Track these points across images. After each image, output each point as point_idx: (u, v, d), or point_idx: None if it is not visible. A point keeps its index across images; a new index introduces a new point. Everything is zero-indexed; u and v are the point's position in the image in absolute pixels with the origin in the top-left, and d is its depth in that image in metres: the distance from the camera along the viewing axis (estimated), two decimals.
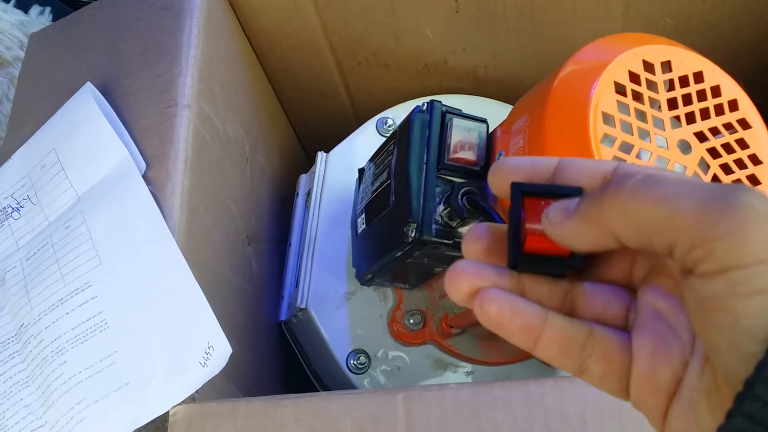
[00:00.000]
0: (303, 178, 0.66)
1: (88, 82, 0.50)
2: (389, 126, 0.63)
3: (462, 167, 0.47)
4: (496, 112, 0.67)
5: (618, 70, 0.41)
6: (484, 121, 0.48)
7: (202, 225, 0.48)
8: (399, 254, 0.48)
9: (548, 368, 0.61)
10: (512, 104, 0.69)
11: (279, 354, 0.63)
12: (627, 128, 0.40)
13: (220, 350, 0.39)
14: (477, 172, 0.47)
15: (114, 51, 0.53)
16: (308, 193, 0.63)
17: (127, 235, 0.44)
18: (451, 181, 0.47)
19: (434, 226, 0.46)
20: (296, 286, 0.59)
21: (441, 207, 0.46)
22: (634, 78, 0.41)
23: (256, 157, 0.61)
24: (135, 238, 0.44)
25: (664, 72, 0.42)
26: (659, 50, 0.43)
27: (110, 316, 0.42)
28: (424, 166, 0.47)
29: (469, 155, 0.47)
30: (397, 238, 0.47)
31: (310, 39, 0.62)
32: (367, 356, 0.56)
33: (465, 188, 0.45)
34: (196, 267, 0.46)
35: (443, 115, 0.48)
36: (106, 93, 0.51)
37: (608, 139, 0.40)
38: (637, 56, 0.42)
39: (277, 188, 0.66)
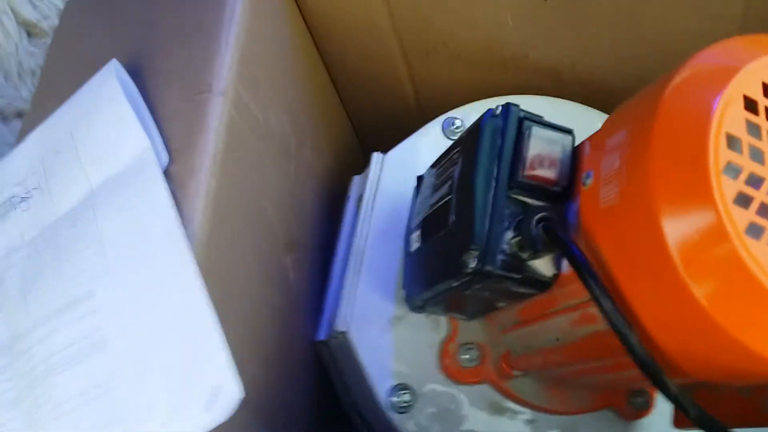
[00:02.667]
0: (356, 180, 0.58)
1: (114, 60, 0.44)
2: (457, 128, 0.55)
3: (539, 186, 0.39)
4: (581, 118, 0.58)
5: (748, 80, 0.32)
6: (569, 132, 0.40)
7: (230, 230, 0.41)
8: (456, 284, 0.40)
9: (621, 420, 0.52)
10: (600, 110, 0.61)
11: (315, 378, 0.56)
12: (757, 156, 0.32)
13: (229, 393, 0.32)
14: (557, 194, 0.39)
15: (150, 23, 0.47)
16: (360, 198, 0.56)
17: (140, 240, 0.38)
18: (524, 202, 0.39)
19: (500, 257, 0.38)
20: (338, 304, 0.52)
21: (510, 233, 0.38)
22: None
23: (303, 151, 0.54)
24: (148, 245, 0.38)
25: None
26: None
27: (110, 335, 0.36)
28: (494, 181, 0.39)
29: (549, 173, 0.39)
30: (455, 266, 0.39)
31: (372, 22, 0.55)
32: (413, 393, 0.48)
33: (541, 213, 0.37)
34: (220, 280, 0.40)
35: (520, 121, 0.40)
36: (134, 71, 0.44)
37: (732, 169, 0.31)
38: None
39: (327, 188, 0.60)
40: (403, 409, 0.48)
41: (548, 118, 0.58)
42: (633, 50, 0.56)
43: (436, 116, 0.57)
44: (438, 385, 0.49)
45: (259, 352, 0.46)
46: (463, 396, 0.49)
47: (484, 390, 0.50)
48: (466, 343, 0.50)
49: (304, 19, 0.55)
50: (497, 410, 0.50)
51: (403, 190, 0.52)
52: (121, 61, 0.44)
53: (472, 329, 0.50)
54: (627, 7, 0.52)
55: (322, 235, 0.57)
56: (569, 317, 0.41)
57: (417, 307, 0.47)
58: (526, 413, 0.50)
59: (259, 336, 0.46)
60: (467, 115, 0.56)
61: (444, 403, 0.49)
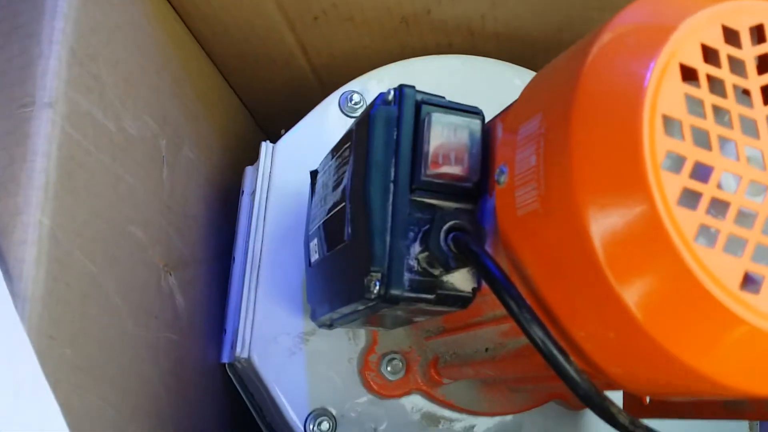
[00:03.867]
0: (249, 171, 0.51)
1: None
2: (356, 104, 0.48)
3: (447, 184, 0.32)
4: (499, 74, 0.52)
5: (685, 43, 0.26)
6: (477, 113, 0.33)
7: (79, 276, 0.34)
8: (362, 308, 0.34)
9: (569, 411, 0.47)
10: (519, 64, 0.54)
11: (228, 399, 0.50)
12: (702, 139, 0.25)
13: None
14: (469, 190, 0.32)
15: None
16: (254, 193, 0.48)
17: None
18: (431, 205, 0.32)
19: (407, 276, 0.31)
20: (237, 324, 0.45)
21: (417, 247, 0.32)
22: (711, 55, 0.26)
23: (180, 152, 0.46)
24: None
25: (755, 43, 0.27)
26: (746, 7, 0.27)
27: None
28: (391, 185, 0.32)
29: (456, 167, 0.32)
30: (358, 289, 0.32)
31: None
32: (332, 418, 0.42)
33: (449, 223, 0.30)
34: (70, 340, 0.33)
35: (417, 107, 0.33)
36: None
37: (674, 160, 0.25)
38: (712, 19, 0.26)
39: (219, 186, 0.52)
40: None
41: (461, 77, 0.52)
42: None
43: (338, 85, 0.50)
44: (361, 404, 0.43)
45: (152, 396, 0.40)
46: (390, 411, 0.44)
47: (415, 400, 0.44)
48: (388, 353, 0.43)
49: None
50: (431, 421, 0.44)
51: (299, 184, 0.45)
52: None
53: (394, 337, 0.44)
54: None
55: (217, 241, 0.50)
56: (498, 328, 0.35)
57: (325, 326, 0.40)
58: (463, 419, 0.45)
59: (148, 383, 0.39)
60: (366, 86, 0.48)
61: (370, 423, 0.43)
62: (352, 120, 0.47)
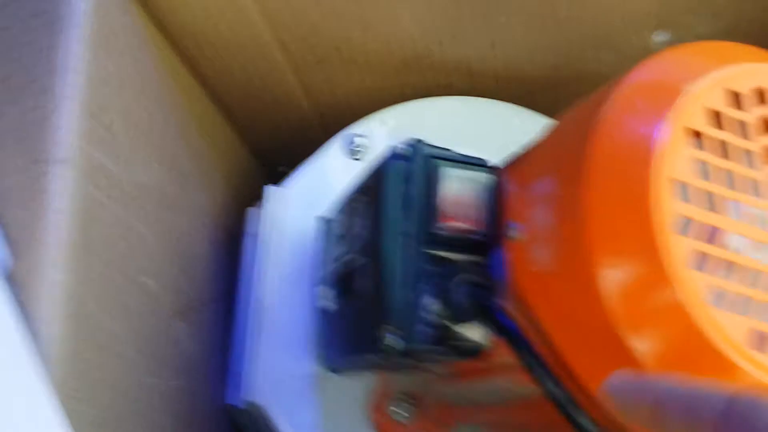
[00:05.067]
0: (252, 213, 0.51)
1: None
2: (359, 147, 0.48)
3: (459, 238, 0.33)
4: (497, 114, 0.53)
5: (691, 107, 0.27)
6: (485, 165, 0.34)
7: (98, 332, 0.34)
8: (376, 359, 0.34)
9: None
10: (517, 103, 0.55)
11: None
12: (708, 201, 0.26)
13: None
14: (479, 243, 0.33)
15: None
16: (258, 235, 0.49)
17: None
18: (443, 258, 0.33)
19: (422, 328, 0.32)
20: (245, 367, 0.45)
21: (431, 300, 0.32)
22: (713, 118, 0.27)
23: (187, 196, 0.46)
24: None
25: (757, 105, 0.28)
26: (747, 70, 0.28)
27: None
28: (405, 239, 0.33)
29: (467, 220, 0.33)
30: (370, 340, 0.33)
31: (251, 36, 0.47)
32: None
33: (463, 277, 0.31)
34: (90, 397, 0.33)
35: (428, 161, 0.34)
36: None
37: (683, 222, 0.26)
38: (716, 83, 0.28)
39: (224, 226, 0.52)
40: None
41: (462, 118, 0.53)
42: (548, 37, 0.50)
43: (340, 126, 0.50)
44: None
45: None
46: None
47: None
48: (398, 395, 0.44)
49: (168, 40, 0.47)
50: None
51: (304, 227, 0.46)
52: None
53: (404, 379, 0.44)
54: None
55: (221, 282, 0.50)
56: (511, 376, 0.36)
57: (337, 371, 0.41)
58: None
59: (158, 431, 0.39)
60: (369, 128, 0.49)
61: None
62: (356, 162, 0.48)
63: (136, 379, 0.37)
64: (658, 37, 0.51)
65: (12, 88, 0.36)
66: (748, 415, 0.18)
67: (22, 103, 0.36)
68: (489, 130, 0.51)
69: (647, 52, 0.51)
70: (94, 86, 0.37)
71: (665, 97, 0.27)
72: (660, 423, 0.21)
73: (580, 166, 0.27)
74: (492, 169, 0.34)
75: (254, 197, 0.52)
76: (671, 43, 0.51)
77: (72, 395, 0.31)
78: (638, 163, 0.26)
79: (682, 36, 0.51)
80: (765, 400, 0.18)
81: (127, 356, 0.36)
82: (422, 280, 0.32)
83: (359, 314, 0.35)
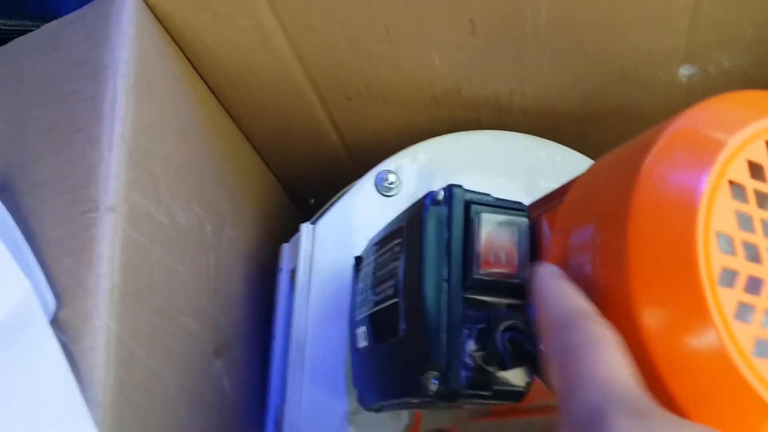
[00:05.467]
0: (286, 249, 0.52)
1: None
2: (391, 183, 0.49)
3: (498, 282, 0.33)
4: (526, 148, 0.53)
5: (733, 160, 0.27)
6: (523, 210, 0.35)
7: (144, 375, 0.35)
8: (417, 402, 0.35)
9: None
10: (544, 136, 0.55)
11: None
12: (752, 253, 0.27)
13: None
14: (518, 287, 0.33)
15: (16, 123, 0.39)
16: (293, 272, 0.49)
17: (31, 413, 0.31)
18: (483, 302, 0.33)
19: (464, 374, 0.32)
20: (283, 400, 0.46)
21: (472, 345, 0.33)
22: (756, 170, 0.28)
23: (223, 234, 0.47)
24: (41, 419, 0.31)
25: None
26: None
27: None
28: (445, 284, 0.33)
29: (506, 265, 0.33)
30: (413, 384, 0.33)
31: (283, 75, 0.48)
32: None
33: (505, 324, 0.32)
34: None
35: (467, 206, 0.34)
36: (4, 186, 0.37)
37: (728, 274, 0.26)
38: (757, 135, 0.28)
39: (257, 261, 0.53)
40: None
41: (490, 152, 0.53)
42: (576, 72, 0.50)
43: (369, 160, 0.51)
44: None
45: None
46: None
47: None
48: (432, 431, 0.44)
49: (205, 83, 0.48)
50: None
51: (339, 263, 0.46)
52: None
53: (437, 415, 0.44)
54: (567, 32, 0.46)
55: (256, 318, 0.51)
56: (548, 417, 0.36)
57: (373, 410, 0.41)
58: None
59: None
60: (401, 165, 0.50)
61: None
62: (388, 198, 0.49)
63: (179, 421, 0.38)
64: (685, 71, 0.51)
65: (58, 138, 0.37)
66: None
67: (69, 152, 0.37)
68: (517, 163, 0.52)
69: (674, 86, 0.52)
70: (137, 133, 0.38)
71: (708, 148, 0.27)
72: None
73: (623, 217, 0.27)
74: (528, 212, 0.35)
75: (286, 232, 0.53)
76: (698, 77, 0.52)
77: None
78: (682, 215, 0.26)
79: (708, 70, 0.51)
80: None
81: (170, 398, 0.37)
82: (464, 325, 0.32)
83: (399, 357, 0.35)
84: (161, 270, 0.38)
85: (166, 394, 0.37)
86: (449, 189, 0.34)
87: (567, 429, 0.25)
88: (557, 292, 0.28)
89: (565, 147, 0.53)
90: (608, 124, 0.55)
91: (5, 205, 0.36)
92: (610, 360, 0.25)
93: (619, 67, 0.51)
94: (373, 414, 0.45)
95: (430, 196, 0.35)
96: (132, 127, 0.37)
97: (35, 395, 0.31)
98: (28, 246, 0.35)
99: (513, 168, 0.52)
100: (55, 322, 0.33)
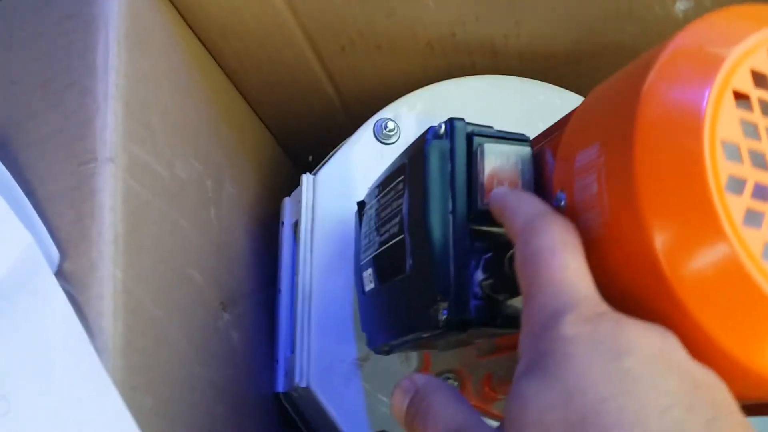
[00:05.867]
0: (287, 203, 0.52)
1: None
2: (390, 131, 0.49)
3: None
4: (524, 92, 0.53)
5: (736, 70, 0.27)
6: (525, 140, 0.34)
7: (152, 324, 0.35)
8: (427, 335, 0.35)
9: None
10: (541, 79, 0.55)
11: (280, 423, 0.51)
12: (759, 160, 0.27)
13: None
14: None
15: (9, 81, 0.39)
16: (296, 224, 0.49)
17: (43, 365, 0.31)
18: (489, 233, 0.33)
19: (473, 303, 0.32)
20: (292, 351, 0.46)
21: (480, 274, 0.33)
22: (760, 79, 0.27)
23: (223, 189, 0.47)
24: (53, 370, 0.31)
25: None
26: None
27: None
28: (450, 216, 0.33)
29: None
30: (423, 318, 0.34)
31: (275, 25, 0.48)
32: None
33: (513, 250, 0.31)
34: (148, 387, 0.34)
35: (469, 139, 0.34)
36: (1, 144, 0.37)
37: (735, 182, 0.26)
38: (759, 45, 0.28)
39: (258, 217, 0.53)
40: None
41: (488, 98, 0.53)
42: (571, 11, 0.50)
43: (365, 112, 0.51)
44: None
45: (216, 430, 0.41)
46: None
47: None
48: (441, 373, 0.44)
49: (197, 36, 0.47)
50: None
51: (341, 212, 0.46)
52: None
53: (446, 357, 0.45)
54: None
55: (261, 273, 0.51)
56: None
57: (383, 352, 0.41)
58: None
59: (212, 420, 0.40)
60: (399, 112, 0.50)
61: None
62: (387, 146, 0.48)
63: (189, 370, 0.38)
64: (681, 5, 0.51)
65: (52, 93, 0.37)
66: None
67: (64, 107, 0.36)
68: (515, 107, 0.51)
69: (670, 20, 0.51)
70: (132, 85, 0.37)
71: (710, 60, 0.27)
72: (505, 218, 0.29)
73: (628, 132, 0.27)
74: (531, 143, 0.34)
75: (285, 189, 0.53)
76: (694, 12, 0.51)
77: (132, 386, 0.32)
78: (688, 126, 0.26)
79: (704, 3, 0.51)
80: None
81: (179, 348, 0.37)
82: (472, 255, 0.32)
83: (408, 293, 0.35)
84: (164, 222, 0.38)
85: (175, 344, 0.37)
86: (450, 122, 0.34)
87: (525, 331, 0.26)
88: (514, 200, 0.29)
89: (562, 89, 0.53)
90: (604, 63, 0.54)
91: (3, 163, 0.35)
92: (567, 265, 0.26)
93: (614, 5, 0.50)
94: (382, 360, 0.45)
95: (431, 131, 0.35)
96: (126, 78, 0.37)
97: (45, 346, 0.31)
98: (27, 201, 0.34)
99: (511, 112, 0.51)
100: (60, 274, 0.32)
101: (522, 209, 0.29)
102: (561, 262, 0.26)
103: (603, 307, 0.26)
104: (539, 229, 0.27)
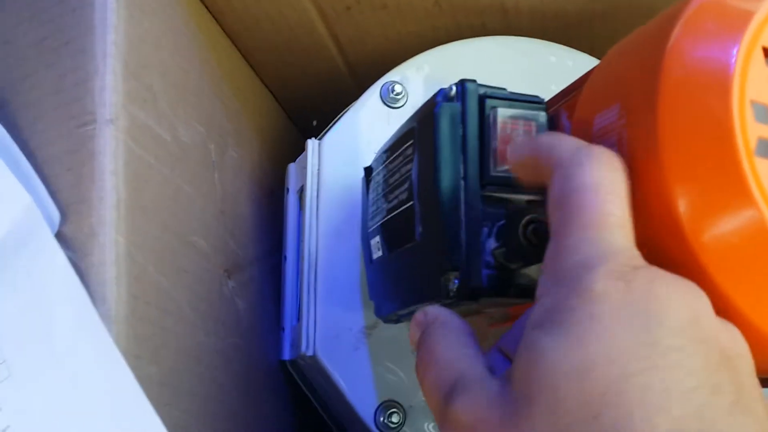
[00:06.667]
0: (292, 168, 0.51)
1: None
2: (398, 94, 0.47)
3: (516, 177, 0.32)
4: (533, 54, 0.51)
5: (766, 26, 0.26)
6: (540, 102, 0.33)
7: (156, 292, 0.34)
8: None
9: None
10: (552, 40, 0.53)
11: (289, 393, 0.50)
12: None
13: None
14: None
15: (2, 41, 0.37)
16: (301, 190, 0.48)
17: (44, 330, 0.30)
18: (502, 199, 0.32)
19: (485, 272, 0.31)
20: (298, 320, 0.45)
21: (492, 242, 0.32)
22: None
23: (226, 154, 0.46)
24: (54, 333, 0.30)
25: None
26: None
27: None
28: (462, 182, 0.32)
29: None
30: (433, 287, 0.33)
31: None
32: (401, 410, 0.43)
33: (527, 217, 0.30)
34: (153, 357, 0.33)
35: (481, 101, 0.32)
36: None
37: (765, 146, 0.25)
38: None
39: (262, 183, 0.52)
40: (395, 429, 0.43)
41: (498, 59, 0.51)
42: None
43: (371, 75, 0.49)
44: None
45: (223, 402, 0.40)
46: None
47: None
48: None
49: None
50: None
51: (348, 178, 0.45)
52: None
53: None
54: None
55: (265, 240, 0.50)
56: None
57: (391, 321, 0.40)
58: None
59: (218, 388, 0.39)
60: (406, 75, 0.48)
61: None
62: (394, 110, 0.47)
63: (195, 339, 0.37)
64: None
65: (47, 52, 0.36)
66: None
67: (59, 66, 0.35)
68: (526, 69, 0.50)
69: None
70: (132, 45, 0.36)
71: (738, 16, 0.26)
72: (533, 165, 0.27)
73: (652, 91, 0.26)
74: (545, 106, 0.33)
75: (289, 155, 0.52)
76: None
77: (137, 355, 0.31)
78: (715, 85, 0.25)
79: None
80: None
81: (184, 316, 0.36)
82: (483, 223, 0.31)
83: (418, 261, 0.34)
84: (167, 187, 0.37)
85: (180, 311, 0.36)
86: (462, 84, 0.33)
87: (549, 270, 0.24)
88: (550, 137, 0.26)
89: (574, 50, 0.52)
90: (617, 22, 0.53)
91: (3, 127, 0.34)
92: (611, 211, 0.24)
93: None
94: (389, 328, 0.44)
95: (442, 93, 0.33)
96: (125, 37, 0.35)
97: (46, 308, 0.30)
98: (26, 161, 0.33)
99: (522, 74, 0.50)
100: (60, 238, 0.31)
101: (564, 143, 0.26)
102: (605, 207, 0.23)
103: (639, 260, 0.23)
104: (585, 163, 0.24)
